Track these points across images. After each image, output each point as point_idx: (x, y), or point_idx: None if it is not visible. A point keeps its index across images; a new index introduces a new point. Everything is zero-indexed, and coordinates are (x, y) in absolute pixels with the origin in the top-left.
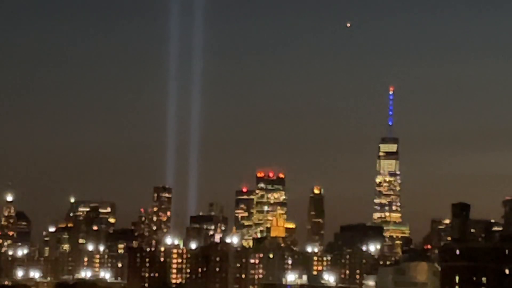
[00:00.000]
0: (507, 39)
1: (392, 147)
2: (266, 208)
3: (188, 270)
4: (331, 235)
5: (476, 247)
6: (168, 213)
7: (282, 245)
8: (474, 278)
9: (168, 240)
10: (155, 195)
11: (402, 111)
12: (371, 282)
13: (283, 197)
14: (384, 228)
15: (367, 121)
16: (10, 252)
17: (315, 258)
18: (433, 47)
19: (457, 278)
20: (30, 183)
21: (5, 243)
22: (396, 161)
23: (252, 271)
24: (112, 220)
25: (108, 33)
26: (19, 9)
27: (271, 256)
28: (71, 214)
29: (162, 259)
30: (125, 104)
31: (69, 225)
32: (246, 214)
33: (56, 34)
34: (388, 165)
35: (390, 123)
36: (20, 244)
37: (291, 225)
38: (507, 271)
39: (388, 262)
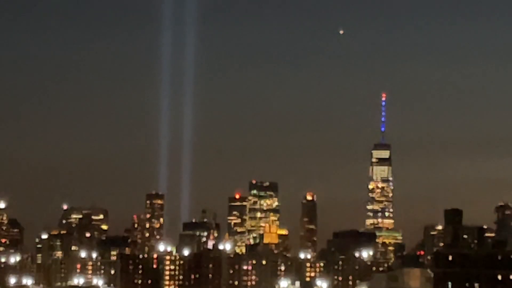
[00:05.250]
0: (499, 46)
1: (385, 153)
2: (259, 214)
3: (181, 277)
4: (324, 241)
5: (469, 253)
6: (161, 220)
7: (275, 251)
8: (467, 284)
9: (161, 247)
10: (148, 201)
11: (395, 117)
12: None
13: (276, 203)
14: (377, 234)
15: (360, 127)
16: (3, 259)
17: (308, 264)
18: (426, 53)
19: (450, 284)
20: (22, 190)
21: None
22: (388, 167)
23: (245, 278)
24: (104, 227)
25: (99, 40)
26: (12, 14)
27: (264, 262)
28: (64, 221)
29: (155, 266)
30: (117, 110)
31: (62, 232)
32: (239, 220)
33: (48, 43)
34: (380, 171)
35: (382, 129)
36: (12, 251)
37: (284, 232)
38: (499, 277)
39: (381, 269)
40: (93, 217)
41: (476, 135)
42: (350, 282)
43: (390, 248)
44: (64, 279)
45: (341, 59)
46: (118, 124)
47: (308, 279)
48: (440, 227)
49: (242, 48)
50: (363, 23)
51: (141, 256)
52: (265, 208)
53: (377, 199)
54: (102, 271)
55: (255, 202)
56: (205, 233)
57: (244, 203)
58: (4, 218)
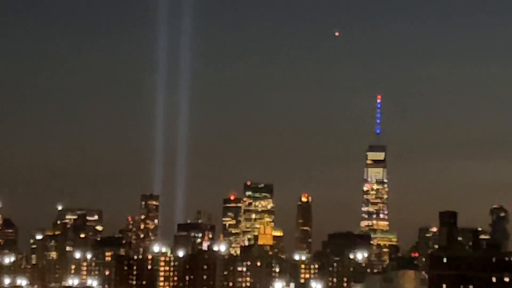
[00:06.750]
0: (495, 48)
1: (380, 155)
2: (253, 216)
3: (176, 278)
4: (319, 243)
5: (464, 256)
6: (156, 221)
7: (270, 253)
8: (462, 287)
9: (156, 248)
10: (143, 202)
11: (390, 119)
12: None
13: (271, 205)
14: (372, 236)
15: (355, 129)
16: None
17: (303, 266)
18: (422, 55)
19: (444, 286)
20: (17, 190)
21: None
22: (383, 169)
23: (240, 279)
24: (99, 227)
25: (97, 42)
26: (10, 15)
27: (258, 264)
28: (58, 222)
29: (149, 267)
30: (112, 111)
31: (56, 232)
32: (233, 222)
33: (45, 43)
34: (375, 173)
35: (377, 131)
36: (7, 251)
37: (279, 233)
38: (494, 280)
39: (375, 270)
40: (87, 217)
41: (471, 138)
42: (345, 284)
43: (385, 250)
44: (59, 280)
45: (336, 60)
46: (113, 125)
47: (302, 280)
48: (435, 229)
49: (238, 50)
50: (358, 25)
51: (135, 257)
52: (260, 210)
53: (372, 201)
54: (97, 272)
55: (250, 204)
56: (200, 234)
57: (239, 205)
58: None
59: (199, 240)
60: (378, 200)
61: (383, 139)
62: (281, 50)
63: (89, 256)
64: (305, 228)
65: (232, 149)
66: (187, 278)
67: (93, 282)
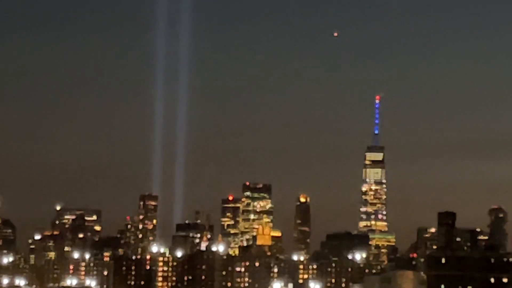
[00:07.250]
0: (493, 49)
1: (378, 156)
2: (252, 216)
3: (174, 278)
4: (317, 243)
5: (462, 256)
6: (154, 221)
7: (268, 253)
8: (460, 287)
9: (154, 248)
10: (141, 203)
11: (388, 119)
12: None
13: (269, 205)
14: (370, 236)
15: (353, 129)
16: None
17: (301, 266)
18: (420, 56)
19: (442, 287)
20: (15, 190)
21: None
22: (382, 169)
23: (238, 279)
24: (98, 228)
25: (95, 42)
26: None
27: (257, 264)
28: (57, 222)
29: (148, 267)
30: (111, 111)
31: (55, 232)
32: (232, 222)
33: (43, 43)
34: (374, 173)
35: (376, 131)
36: (5, 251)
37: (277, 234)
38: (492, 280)
39: (374, 271)
40: (86, 218)
41: (470, 138)
42: (343, 284)
43: (383, 250)
44: (57, 280)
45: (335, 61)
46: (112, 125)
47: (301, 281)
48: (433, 230)
49: (236, 50)
50: (357, 25)
51: (134, 257)
52: (258, 210)
53: (370, 201)
54: (95, 272)
55: (248, 204)
56: (198, 235)
57: (238, 205)
58: None
59: (197, 240)
60: (377, 201)
61: (381, 140)
62: (280, 50)
63: (87, 256)
64: (303, 228)
65: (231, 149)
66: (185, 278)
67: (91, 282)
